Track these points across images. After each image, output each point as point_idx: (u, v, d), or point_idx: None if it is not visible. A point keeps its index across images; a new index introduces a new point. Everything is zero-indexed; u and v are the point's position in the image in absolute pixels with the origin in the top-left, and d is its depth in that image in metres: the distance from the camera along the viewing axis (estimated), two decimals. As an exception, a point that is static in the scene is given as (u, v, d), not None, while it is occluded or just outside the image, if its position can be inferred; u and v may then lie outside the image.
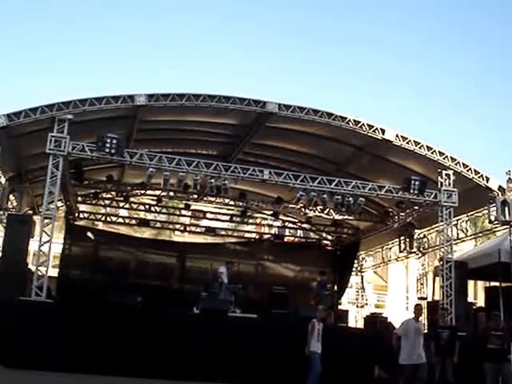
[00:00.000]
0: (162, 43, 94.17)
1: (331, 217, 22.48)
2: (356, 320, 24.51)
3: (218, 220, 25.18)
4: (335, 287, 24.32)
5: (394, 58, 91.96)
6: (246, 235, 27.71)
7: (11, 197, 18.64)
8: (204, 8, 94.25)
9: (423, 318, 21.24)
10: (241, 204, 22.77)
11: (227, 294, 16.86)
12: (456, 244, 19.54)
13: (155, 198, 22.66)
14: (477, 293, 29.82)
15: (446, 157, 17.46)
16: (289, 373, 13.66)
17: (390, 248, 24.82)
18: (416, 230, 22.25)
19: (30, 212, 20.98)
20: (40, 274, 14.57)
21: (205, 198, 21.41)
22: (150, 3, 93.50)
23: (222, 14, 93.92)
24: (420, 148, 17.37)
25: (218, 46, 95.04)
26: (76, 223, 23.11)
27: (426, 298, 22.27)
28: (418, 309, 12.11)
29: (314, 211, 21.29)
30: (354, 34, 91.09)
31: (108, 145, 15.09)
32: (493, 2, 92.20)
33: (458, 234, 19.92)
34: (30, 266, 16.10)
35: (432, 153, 17.41)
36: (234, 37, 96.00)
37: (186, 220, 27.15)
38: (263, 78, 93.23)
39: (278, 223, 26.02)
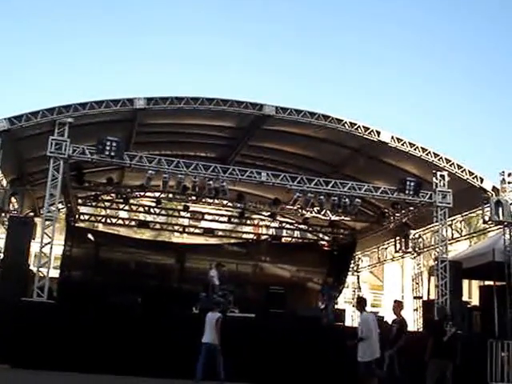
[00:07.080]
0: (160, 47, 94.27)
1: (328, 218, 22.62)
2: (352, 319, 24.71)
3: (216, 221, 25.42)
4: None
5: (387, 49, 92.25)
6: (244, 236, 27.91)
7: (13, 199, 18.78)
8: (201, 9, 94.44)
9: (419, 317, 21.83)
10: (239, 205, 22.96)
11: (219, 295, 17.01)
12: (451, 244, 19.79)
13: (154, 199, 22.87)
14: (471, 292, 30.04)
15: (441, 158, 17.68)
16: (289, 370, 14.09)
17: (386, 248, 25.03)
18: (411, 231, 22.43)
19: (32, 214, 21.18)
20: (41, 275, 14.83)
21: (203, 200, 21.58)
22: (147, 8, 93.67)
23: (219, 15, 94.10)
24: (415, 149, 17.59)
25: (215, 48, 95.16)
26: (76, 225, 23.34)
27: (421, 297, 22.53)
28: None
29: (311, 212, 21.49)
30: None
31: (108, 148, 15.33)
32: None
33: (452, 234, 20.14)
34: (31, 267, 16.38)
35: (427, 154, 17.63)
36: (232, 38, 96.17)
37: (185, 221, 27.32)
38: (261, 80, 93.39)
39: (276, 224, 26.24)
